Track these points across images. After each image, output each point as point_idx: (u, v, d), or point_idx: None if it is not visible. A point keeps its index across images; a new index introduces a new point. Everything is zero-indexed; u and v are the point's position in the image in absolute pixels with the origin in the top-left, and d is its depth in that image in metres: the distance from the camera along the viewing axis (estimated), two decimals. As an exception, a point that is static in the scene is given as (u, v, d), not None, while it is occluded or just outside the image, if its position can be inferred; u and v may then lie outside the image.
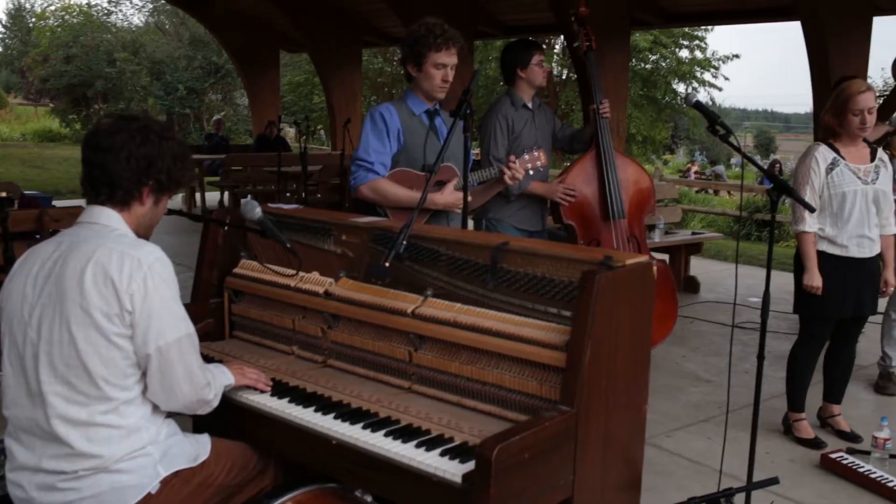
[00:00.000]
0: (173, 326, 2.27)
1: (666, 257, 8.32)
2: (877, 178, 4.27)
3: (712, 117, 3.22)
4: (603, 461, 2.40)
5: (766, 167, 3.91)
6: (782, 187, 3.23)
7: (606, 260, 2.34)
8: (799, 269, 4.31)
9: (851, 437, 4.54)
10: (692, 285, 8.26)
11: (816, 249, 4.23)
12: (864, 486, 3.97)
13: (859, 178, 4.22)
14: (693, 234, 8.67)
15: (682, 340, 6.48)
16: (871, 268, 4.34)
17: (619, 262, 2.34)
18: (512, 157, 3.71)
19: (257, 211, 2.71)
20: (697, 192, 18.40)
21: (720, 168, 29.58)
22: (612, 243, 4.72)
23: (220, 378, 2.50)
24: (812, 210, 3.39)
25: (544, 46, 21.03)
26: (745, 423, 4.51)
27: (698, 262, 9.08)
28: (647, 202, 5.00)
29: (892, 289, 4.48)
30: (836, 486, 4.03)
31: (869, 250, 4.30)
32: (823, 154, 4.22)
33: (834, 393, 4.62)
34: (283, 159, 10.91)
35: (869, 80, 6.70)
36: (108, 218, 2.34)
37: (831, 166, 4.20)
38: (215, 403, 2.44)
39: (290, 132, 23.63)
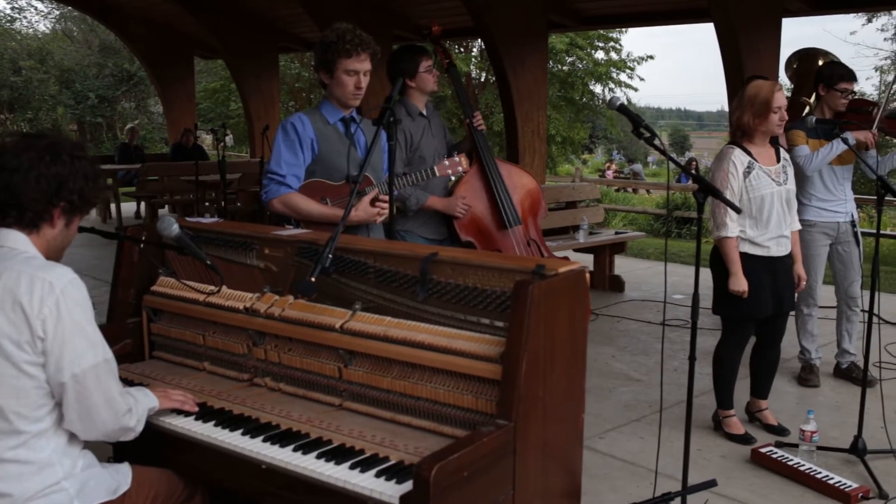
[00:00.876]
0: (89, 352, 2.15)
1: (590, 257, 8.39)
2: (787, 178, 4.38)
3: (637, 120, 3.21)
4: (543, 472, 2.36)
5: (684, 166, 3.92)
6: (709, 189, 3.24)
7: (539, 269, 2.30)
8: (717, 270, 4.35)
9: (779, 430, 4.62)
10: (617, 284, 8.32)
11: (739, 252, 4.28)
12: (794, 478, 4.02)
13: (773, 180, 4.31)
14: (616, 233, 8.74)
15: (610, 340, 6.51)
16: (787, 264, 4.44)
17: (552, 271, 2.30)
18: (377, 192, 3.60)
19: (174, 227, 2.59)
20: (617, 190, 18.69)
21: (638, 166, 30.14)
22: (513, 251, 4.72)
23: (144, 402, 2.38)
24: (739, 211, 3.41)
25: (462, 49, 21.11)
26: (675, 422, 4.57)
27: (622, 261, 9.17)
28: (539, 203, 5.01)
29: (804, 283, 4.59)
30: (767, 479, 4.08)
31: (785, 248, 4.41)
32: (740, 158, 4.27)
33: (760, 389, 4.69)
34: (200, 168, 10.66)
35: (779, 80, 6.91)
36: (16, 241, 2.20)
37: (748, 170, 4.25)
38: (139, 429, 2.32)
39: (207, 140, 23.20)
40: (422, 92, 4.53)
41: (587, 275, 2.44)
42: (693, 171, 3.39)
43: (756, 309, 4.34)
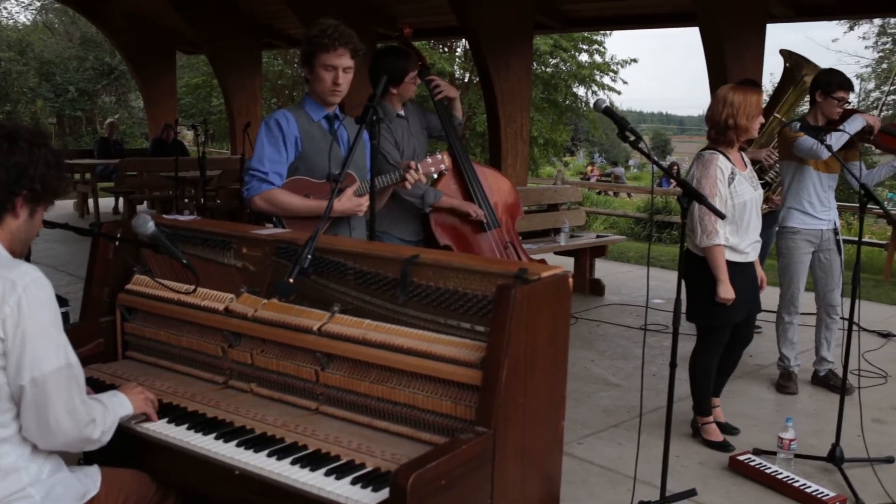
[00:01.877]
0: (51, 355, 2.07)
1: (571, 260, 8.37)
2: (757, 183, 4.43)
3: (622, 123, 3.19)
4: (522, 479, 2.32)
5: (668, 170, 3.92)
6: (693, 194, 3.23)
7: (521, 273, 2.26)
8: (692, 277, 4.32)
9: (729, 428, 4.65)
10: (597, 288, 8.30)
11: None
12: (772, 486, 4.01)
13: (751, 185, 4.34)
14: (598, 236, 8.73)
15: (589, 344, 6.50)
16: (752, 269, 4.49)
17: (535, 275, 2.27)
18: (412, 163, 3.59)
19: (150, 225, 2.52)
20: (598, 193, 18.72)
21: (619, 170, 30.23)
22: (491, 254, 4.69)
23: (116, 410, 2.31)
24: (723, 217, 3.39)
25: (445, 49, 21.07)
26: (654, 428, 4.55)
27: (602, 265, 9.16)
28: (516, 206, 5.00)
29: (766, 283, 4.63)
30: (745, 487, 4.06)
31: (757, 253, 4.46)
32: (725, 164, 4.26)
33: (715, 387, 4.71)
34: (180, 164, 10.55)
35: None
36: None
37: (732, 176, 4.25)
38: (105, 440, 2.24)
39: (188, 135, 23.04)
40: (401, 98, 4.49)
41: (570, 280, 2.41)
42: (681, 179, 3.37)
43: (734, 315, 4.35)
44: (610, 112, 3.24)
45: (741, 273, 4.31)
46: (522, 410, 2.24)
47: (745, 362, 6.07)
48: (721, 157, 4.26)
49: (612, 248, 10.20)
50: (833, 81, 5.12)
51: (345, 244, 2.75)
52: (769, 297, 7.57)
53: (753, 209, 4.32)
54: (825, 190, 5.20)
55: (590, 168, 31.08)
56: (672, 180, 3.57)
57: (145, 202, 12.62)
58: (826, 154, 4.89)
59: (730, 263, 4.27)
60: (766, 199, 6.27)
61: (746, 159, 4.48)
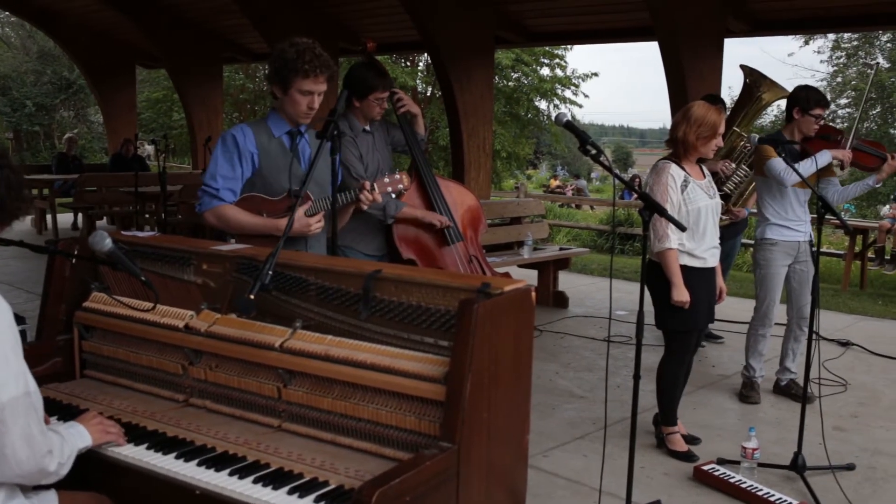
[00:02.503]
0: (9, 383, 2.00)
1: (535, 273, 8.40)
2: (714, 193, 4.49)
3: (583, 137, 3.20)
4: (487, 494, 2.31)
5: (629, 183, 3.97)
6: (654, 207, 3.25)
7: (484, 287, 2.26)
8: (655, 284, 4.38)
9: (690, 439, 4.69)
10: (561, 300, 8.33)
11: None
12: (736, 496, 4.04)
13: (706, 193, 4.41)
14: (561, 249, 8.76)
15: (554, 356, 6.51)
16: (714, 276, 4.55)
17: (498, 289, 2.26)
18: (366, 184, 3.53)
19: (107, 242, 2.48)
20: (561, 206, 18.81)
21: (582, 182, 30.42)
22: (455, 268, 4.67)
23: (74, 442, 2.25)
24: (683, 228, 3.42)
25: (408, 63, 21.09)
26: (619, 439, 4.56)
27: (566, 277, 9.19)
28: (479, 219, 4.99)
29: (725, 295, 4.68)
30: (710, 497, 4.08)
31: (716, 259, 4.51)
32: (677, 172, 4.34)
33: None
34: (140, 179, 10.44)
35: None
36: None
37: (685, 183, 4.33)
38: (62, 473, 2.17)
39: (148, 150, 22.82)
40: (365, 115, 4.47)
41: (533, 294, 2.40)
42: (642, 192, 3.39)
43: (699, 319, 4.43)
44: (571, 126, 3.25)
45: (700, 278, 4.38)
46: (486, 425, 2.23)
47: (707, 373, 6.14)
48: (674, 165, 4.36)
49: (576, 260, 10.25)
50: (811, 98, 5.19)
51: (306, 260, 2.73)
52: (732, 307, 7.71)
53: (709, 216, 4.40)
54: (801, 204, 5.25)
55: (556, 181, 31.23)
56: (633, 192, 3.59)
57: (105, 218, 12.45)
58: (792, 180, 4.99)
59: (688, 268, 4.34)
60: (727, 211, 6.35)
61: (706, 171, 4.54)
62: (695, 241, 4.37)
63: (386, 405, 2.35)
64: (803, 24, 8.50)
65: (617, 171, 3.29)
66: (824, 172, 5.28)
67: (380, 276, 2.46)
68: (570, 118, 3.30)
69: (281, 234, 3.30)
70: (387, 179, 3.59)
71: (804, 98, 5.21)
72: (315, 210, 3.44)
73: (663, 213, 3.25)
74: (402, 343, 2.41)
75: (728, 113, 6.71)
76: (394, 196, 3.69)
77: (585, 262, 10.90)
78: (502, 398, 2.30)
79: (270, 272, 2.49)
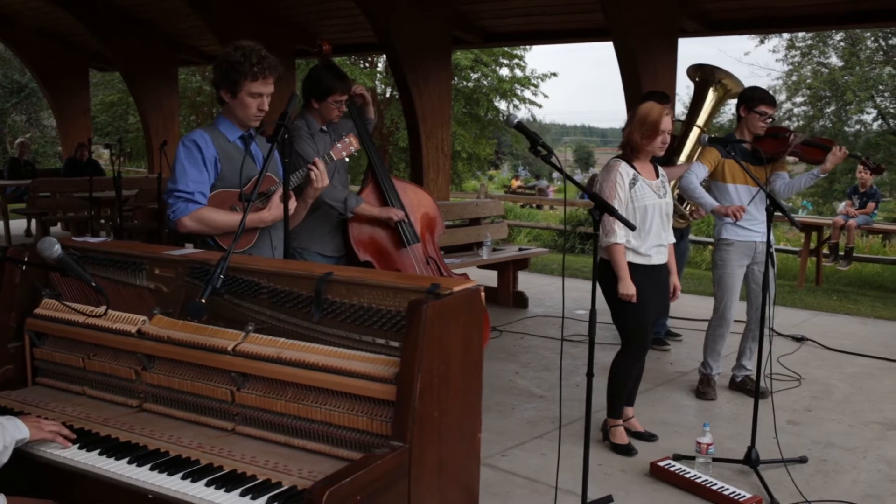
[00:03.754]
0: None
1: (494, 274, 8.44)
2: (665, 192, 4.57)
3: (534, 138, 3.24)
4: (440, 492, 2.33)
5: (585, 182, 4.02)
6: (604, 206, 3.29)
7: (433, 288, 2.28)
8: (606, 280, 4.46)
9: (647, 436, 4.78)
10: (521, 300, 8.38)
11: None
12: (692, 490, 4.10)
13: (655, 192, 4.49)
14: (520, 249, 8.81)
15: (514, 356, 6.55)
16: (664, 273, 4.62)
17: (447, 290, 2.28)
18: (315, 160, 3.57)
19: (56, 248, 2.46)
20: (522, 206, 18.90)
21: (543, 182, 30.58)
22: (412, 270, 4.69)
23: (11, 431, 2.26)
24: (633, 228, 3.47)
25: (367, 65, 21.07)
26: (577, 437, 4.59)
27: (526, 277, 9.24)
28: (436, 221, 5.01)
29: (679, 292, 4.77)
30: (666, 492, 4.14)
31: (664, 257, 4.58)
32: (626, 170, 4.44)
33: (628, 397, 4.82)
34: (95, 184, 10.31)
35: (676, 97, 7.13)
36: None
37: (633, 181, 4.42)
38: (3, 459, 2.20)
39: (104, 154, 22.52)
40: (322, 117, 4.47)
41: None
42: (592, 191, 3.44)
43: (648, 314, 4.52)
44: (522, 127, 3.28)
45: (645, 275, 4.46)
46: (437, 424, 2.25)
47: (665, 370, 6.22)
48: (623, 163, 4.46)
49: (536, 260, 10.31)
50: (756, 97, 5.28)
51: (258, 263, 2.73)
52: (691, 305, 7.81)
53: (657, 214, 4.47)
54: (755, 203, 5.25)
55: (514, 181, 31.35)
56: (584, 193, 3.64)
57: (59, 224, 12.28)
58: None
59: (634, 265, 4.43)
60: (692, 213, 6.48)
61: (661, 171, 4.61)
62: (640, 239, 4.44)
63: (338, 406, 2.36)
64: (756, 24, 8.63)
65: (568, 172, 3.32)
66: (775, 167, 5.38)
67: (331, 279, 2.47)
68: (520, 120, 3.33)
69: (264, 224, 3.40)
70: (339, 145, 3.65)
71: (749, 96, 5.31)
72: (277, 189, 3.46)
73: (613, 212, 3.30)
74: (354, 344, 2.42)
75: (687, 112, 6.83)
76: (347, 159, 3.74)
77: (546, 262, 10.97)
78: (453, 397, 2.32)
79: (222, 276, 2.48)
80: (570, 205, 13.44)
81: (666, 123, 4.41)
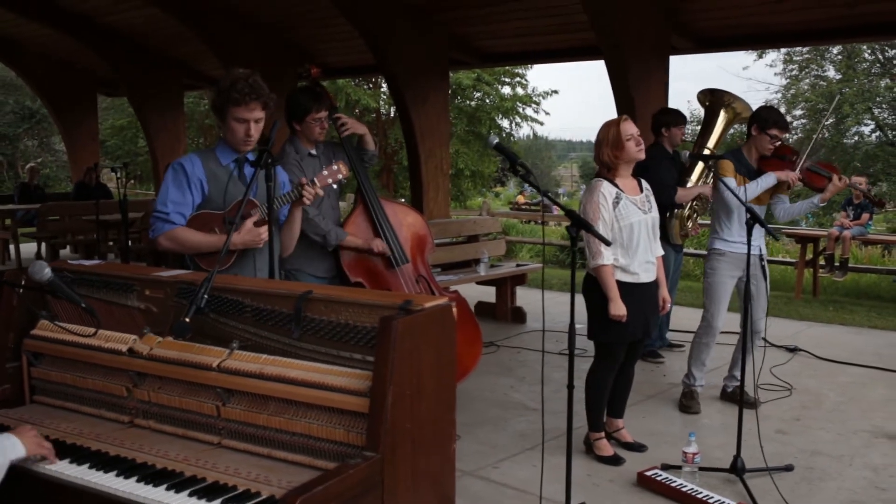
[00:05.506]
0: None
1: (493, 290, 8.54)
2: (650, 207, 4.62)
3: (512, 158, 3.36)
4: (414, 501, 2.43)
5: (557, 201, 4.08)
6: (580, 223, 3.41)
7: (405, 304, 2.39)
8: (591, 297, 4.54)
9: (636, 447, 4.86)
10: (519, 316, 8.48)
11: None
12: (678, 499, 4.18)
13: (640, 208, 4.53)
14: (518, 265, 8.92)
15: (509, 371, 6.64)
16: (653, 290, 4.67)
17: (419, 306, 2.40)
18: (304, 179, 3.63)
19: (46, 272, 2.59)
20: (527, 223, 19.02)
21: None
22: (402, 289, 4.79)
23: (6, 453, 2.35)
24: (608, 244, 3.58)
25: (370, 86, 21.26)
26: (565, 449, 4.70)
27: (525, 293, 9.33)
28: (425, 240, 5.10)
29: (669, 306, 4.84)
30: (653, 502, 4.22)
31: (652, 274, 4.64)
32: (609, 189, 4.48)
33: (617, 408, 4.91)
34: (102, 207, 10.49)
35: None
36: None
37: (616, 200, 4.47)
38: None
39: (113, 178, 22.74)
40: (307, 137, 4.61)
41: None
42: (568, 209, 3.54)
43: (629, 333, 4.56)
44: (500, 147, 3.41)
45: (633, 293, 4.51)
46: (411, 434, 2.36)
47: (658, 382, 6.30)
48: (605, 183, 4.50)
49: (536, 275, 10.40)
50: (770, 119, 5.35)
51: (242, 283, 2.85)
52: (690, 317, 7.88)
53: (643, 231, 4.51)
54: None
55: (520, 197, 31.42)
56: (559, 209, 3.75)
57: (68, 247, 12.45)
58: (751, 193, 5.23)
59: (622, 283, 4.48)
60: (693, 229, 6.61)
61: (645, 185, 4.69)
62: (628, 257, 4.50)
63: (317, 419, 2.47)
64: (745, 40, 8.74)
65: (545, 190, 3.43)
66: (776, 189, 5.46)
67: (310, 297, 2.59)
68: (498, 141, 3.46)
69: (234, 246, 3.45)
70: (326, 172, 3.72)
71: (764, 118, 5.37)
72: (263, 216, 3.54)
73: (588, 228, 3.41)
74: (332, 359, 2.53)
75: (698, 135, 6.99)
76: (335, 186, 3.84)
77: (547, 277, 11.07)
78: (426, 409, 2.43)
79: (206, 296, 2.60)
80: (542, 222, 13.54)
81: (627, 129, 4.45)
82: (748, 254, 4.53)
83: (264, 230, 3.53)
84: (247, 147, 3.61)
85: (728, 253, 5.40)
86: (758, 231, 5.36)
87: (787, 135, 5.50)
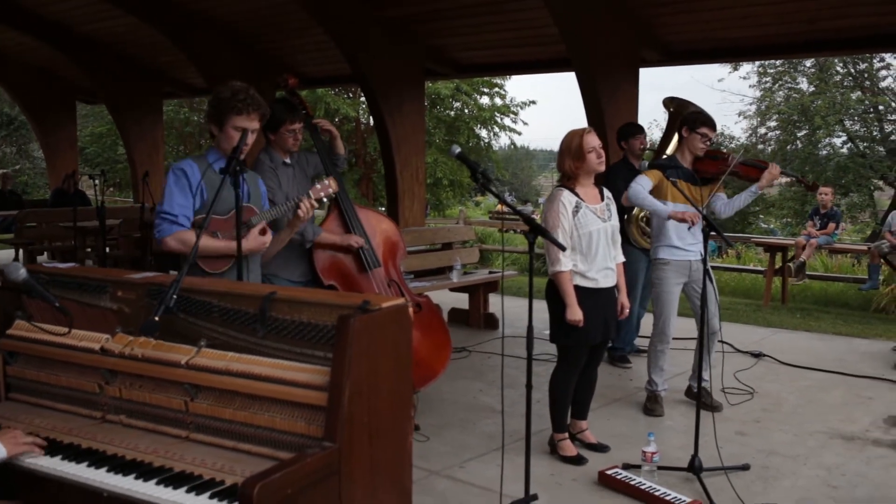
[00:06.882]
0: None
1: (465, 297, 8.68)
2: (610, 215, 4.78)
3: (473, 168, 3.52)
4: (372, 490, 2.56)
5: (518, 210, 4.24)
6: (537, 230, 3.56)
7: (363, 304, 2.53)
8: (552, 302, 4.69)
9: (599, 447, 5.01)
10: (491, 322, 8.62)
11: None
12: (638, 497, 4.33)
13: (599, 217, 4.69)
14: (490, 272, 9.06)
15: (480, 375, 6.78)
16: (612, 296, 4.83)
17: (376, 306, 2.54)
18: (302, 197, 3.91)
19: (21, 272, 2.72)
20: (506, 231, 19.15)
21: (529, 207, 30.91)
22: (373, 292, 4.92)
23: None
24: (563, 249, 3.73)
25: (350, 95, 21.39)
26: (533, 449, 4.80)
27: (497, 299, 9.47)
28: (397, 246, 5.24)
29: (628, 311, 4.99)
30: (614, 499, 4.36)
31: (611, 280, 4.79)
32: (568, 198, 4.64)
33: (580, 410, 5.06)
34: (80, 214, 10.56)
35: (644, 123, 7.44)
36: None
37: (576, 209, 4.62)
38: None
39: (93, 185, 22.74)
40: (281, 147, 4.74)
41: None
42: (525, 215, 3.70)
43: (589, 337, 4.71)
44: (462, 157, 3.57)
45: (592, 298, 4.67)
46: (367, 427, 2.49)
47: (625, 386, 6.46)
48: (566, 192, 4.65)
49: (510, 283, 10.55)
50: (698, 119, 5.55)
51: (210, 285, 2.98)
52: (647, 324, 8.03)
53: (602, 239, 4.67)
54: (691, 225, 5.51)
55: (500, 206, 31.59)
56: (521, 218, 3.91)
57: (45, 253, 12.50)
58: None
59: (581, 288, 4.64)
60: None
61: (607, 194, 4.84)
62: (587, 263, 4.65)
63: (280, 413, 2.60)
64: (714, 54, 8.93)
65: (506, 199, 3.59)
66: (713, 189, 5.63)
67: (274, 298, 2.72)
68: (460, 150, 3.61)
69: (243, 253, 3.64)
70: (318, 186, 3.96)
71: (692, 119, 5.58)
72: (259, 221, 3.81)
73: (545, 234, 3.57)
74: (295, 356, 2.66)
75: (660, 140, 7.17)
76: (325, 200, 4.05)
77: (520, 285, 11.20)
78: (383, 402, 2.56)
79: (175, 296, 2.73)
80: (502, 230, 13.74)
81: (590, 141, 4.60)
82: (706, 259, 4.70)
83: (268, 237, 3.81)
84: (240, 154, 3.77)
85: (672, 261, 5.55)
86: (698, 237, 5.50)
87: (716, 134, 5.64)
